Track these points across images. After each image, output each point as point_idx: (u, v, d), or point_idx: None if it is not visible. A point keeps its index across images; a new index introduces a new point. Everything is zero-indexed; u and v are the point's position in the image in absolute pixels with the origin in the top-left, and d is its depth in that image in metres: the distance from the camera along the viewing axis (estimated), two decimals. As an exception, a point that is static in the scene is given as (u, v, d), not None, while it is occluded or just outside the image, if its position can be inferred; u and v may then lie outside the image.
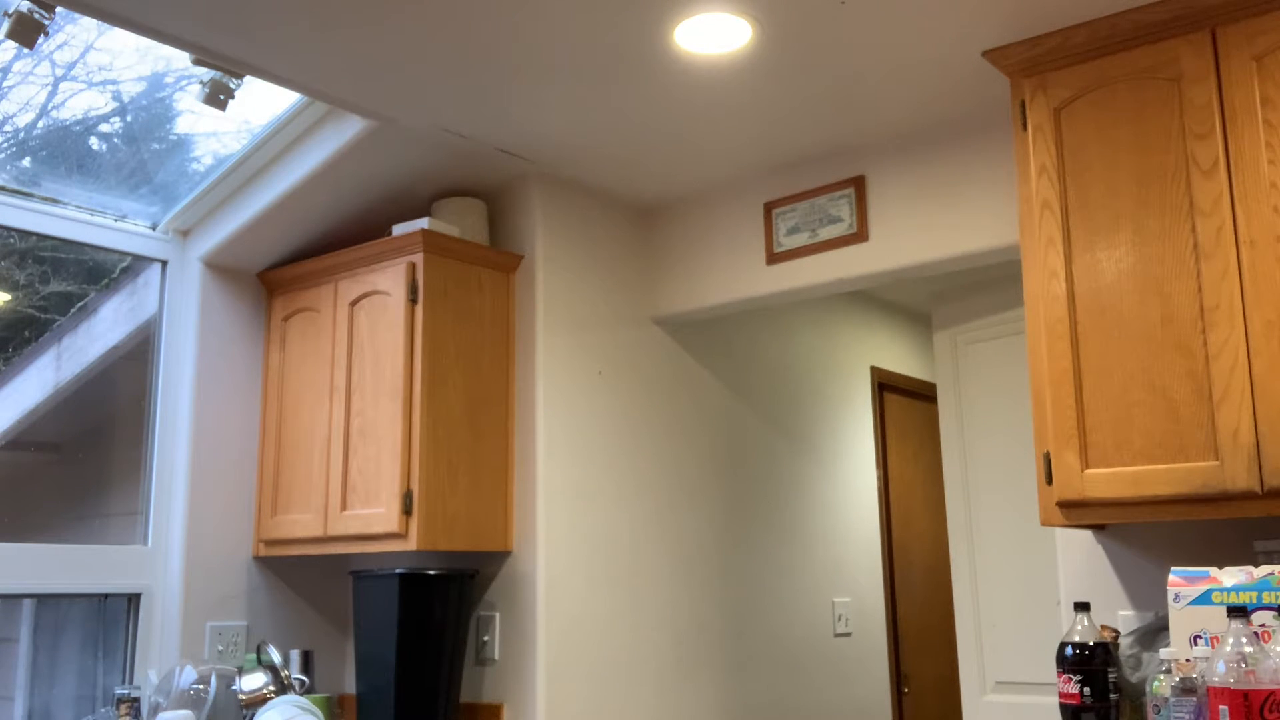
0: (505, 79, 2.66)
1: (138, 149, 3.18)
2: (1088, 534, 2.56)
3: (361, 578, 3.04)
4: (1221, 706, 1.82)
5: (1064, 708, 2.18)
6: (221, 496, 3.28)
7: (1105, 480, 2.21)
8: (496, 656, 3.12)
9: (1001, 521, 3.40)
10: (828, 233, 3.12)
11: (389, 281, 3.08)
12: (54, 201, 3.12)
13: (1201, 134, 2.19)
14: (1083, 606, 2.22)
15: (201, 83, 2.75)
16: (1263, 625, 1.93)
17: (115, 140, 3.19)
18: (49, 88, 2.95)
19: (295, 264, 3.35)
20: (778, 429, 4.04)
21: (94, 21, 2.66)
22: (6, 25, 2.44)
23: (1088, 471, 2.24)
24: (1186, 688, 1.93)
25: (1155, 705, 2.03)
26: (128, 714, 2.93)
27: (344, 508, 3.07)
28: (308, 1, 2.31)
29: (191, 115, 3.10)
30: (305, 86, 2.68)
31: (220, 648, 3.21)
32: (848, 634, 4.20)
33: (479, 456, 3.09)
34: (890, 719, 4.34)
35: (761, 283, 3.25)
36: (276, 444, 3.31)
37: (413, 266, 3.04)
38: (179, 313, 3.33)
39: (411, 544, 2.92)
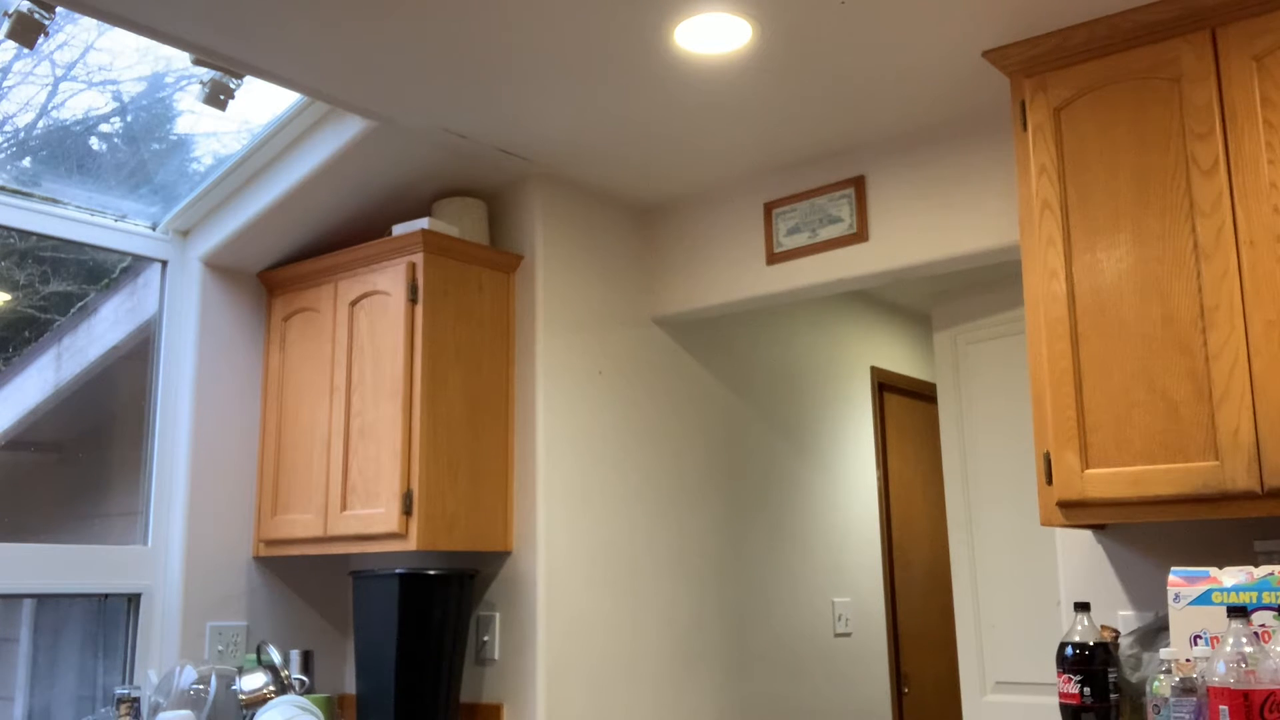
0: (505, 79, 2.66)
1: (138, 149, 3.18)
2: (1088, 534, 2.56)
3: (361, 578, 3.04)
4: (1221, 706, 1.82)
5: (1064, 708, 2.18)
6: (221, 496, 3.28)
7: (1105, 480, 2.21)
8: (496, 656, 3.12)
9: (1001, 521, 3.40)
10: (828, 233, 3.12)
11: (389, 281, 3.08)
12: (54, 201, 3.12)
13: (1201, 134, 2.19)
14: (1083, 606, 2.22)
15: (201, 83, 2.75)
16: (1263, 625, 1.93)
17: (115, 140, 3.19)
18: (49, 88, 2.95)
19: (295, 264, 3.35)
20: (778, 429, 4.04)
21: (94, 21, 2.66)
22: (6, 25, 2.44)
23: (1088, 471, 2.24)
24: (1186, 688, 1.93)
25: (1155, 705, 2.03)
26: (128, 714, 2.93)
27: (344, 508, 3.07)
28: (308, 1, 2.31)
29: (191, 115, 3.10)
30: (305, 86, 2.68)
31: (220, 648, 3.21)
32: (848, 634, 4.20)
33: (479, 456, 3.09)
34: (890, 719, 4.34)
35: (761, 283, 3.25)
36: (276, 444, 3.31)
37: (413, 266, 3.04)
38: (179, 313, 3.33)
39: (411, 544, 2.92)
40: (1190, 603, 2.03)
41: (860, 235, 3.05)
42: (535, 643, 3.04)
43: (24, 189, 3.07)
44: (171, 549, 3.21)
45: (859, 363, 4.53)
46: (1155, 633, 2.23)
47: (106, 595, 3.15)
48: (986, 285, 3.54)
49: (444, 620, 2.99)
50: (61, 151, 3.11)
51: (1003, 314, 3.48)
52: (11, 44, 2.50)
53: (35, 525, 3.08)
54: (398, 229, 3.12)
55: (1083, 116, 2.34)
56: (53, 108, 3.01)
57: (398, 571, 2.95)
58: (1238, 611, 1.88)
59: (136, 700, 2.96)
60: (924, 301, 4.64)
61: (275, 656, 2.98)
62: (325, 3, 2.31)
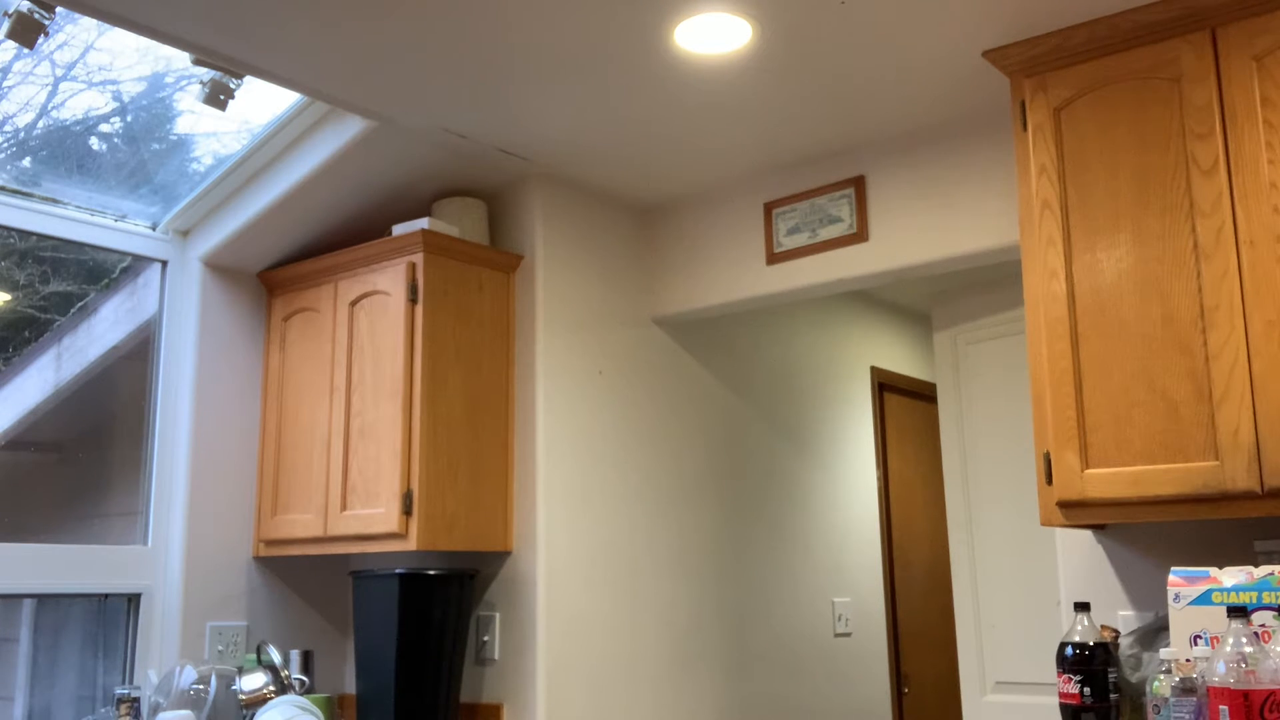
0: (505, 79, 2.66)
1: (138, 149, 3.18)
2: (1088, 534, 2.56)
3: (361, 578, 3.04)
4: (1221, 706, 1.82)
5: (1064, 708, 2.18)
6: (221, 496, 3.28)
7: (1105, 480, 2.21)
8: (496, 656, 3.12)
9: (1001, 521, 3.40)
10: (828, 233, 3.12)
11: (389, 281, 3.08)
12: (54, 201, 3.12)
13: (1201, 134, 2.19)
14: (1083, 606, 2.22)
15: (201, 83, 2.75)
16: (1263, 625, 1.93)
17: (115, 140, 3.19)
18: (49, 88, 2.95)
19: (295, 264, 3.35)
20: (778, 429, 4.04)
21: (94, 21, 2.66)
22: (6, 25, 2.44)
23: (1088, 471, 2.24)
24: (1186, 688, 1.93)
25: (1155, 705, 2.03)
26: (128, 714, 2.93)
27: (344, 508, 3.07)
28: (308, 1, 2.31)
29: (191, 115, 3.10)
30: (305, 86, 2.68)
31: (220, 648, 3.21)
32: (848, 634, 4.20)
33: (479, 456, 3.09)
34: (890, 719, 4.34)
35: (761, 283, 3.25)
36: (276, 444, 3.31)
37: (413, 266, 3.04)
38: (179, 313, 3.33)
39: (411, 544, 2.92)
40: (1190, 603, 2.03)
41: (860, 235, 3.05)
42: (535, 643, 3.04)
43: (24, 189, 3.07)
44: (171, 549, 3.21)
45: (859, 363, 4.53)
46: (1155, 633, 2.23)
47: (106, 595, 3.15)
48: (986, 285, 3.54)
49: (444, 620, 2.99)
50: (61, 151, 3.11)
51: (1003, 314, 3.48)
52: (11, 44, 2.50)
53: (35, 525, 3.08)
54: (398, 229, 3.12)
55: (1083, 116, 2.34)
56: (53, 108, 3.01)
57: (398, 571, 2.95)
58: (1238, 611, 1.88)
59: (136, 700, 2.96)
60: (924, 301, 4.64)
61: (275, 656, 2.98)
62: (325, 3, 2.31)
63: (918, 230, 2.95)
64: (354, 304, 3.17)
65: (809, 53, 2.56)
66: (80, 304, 3.29)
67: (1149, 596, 2.47)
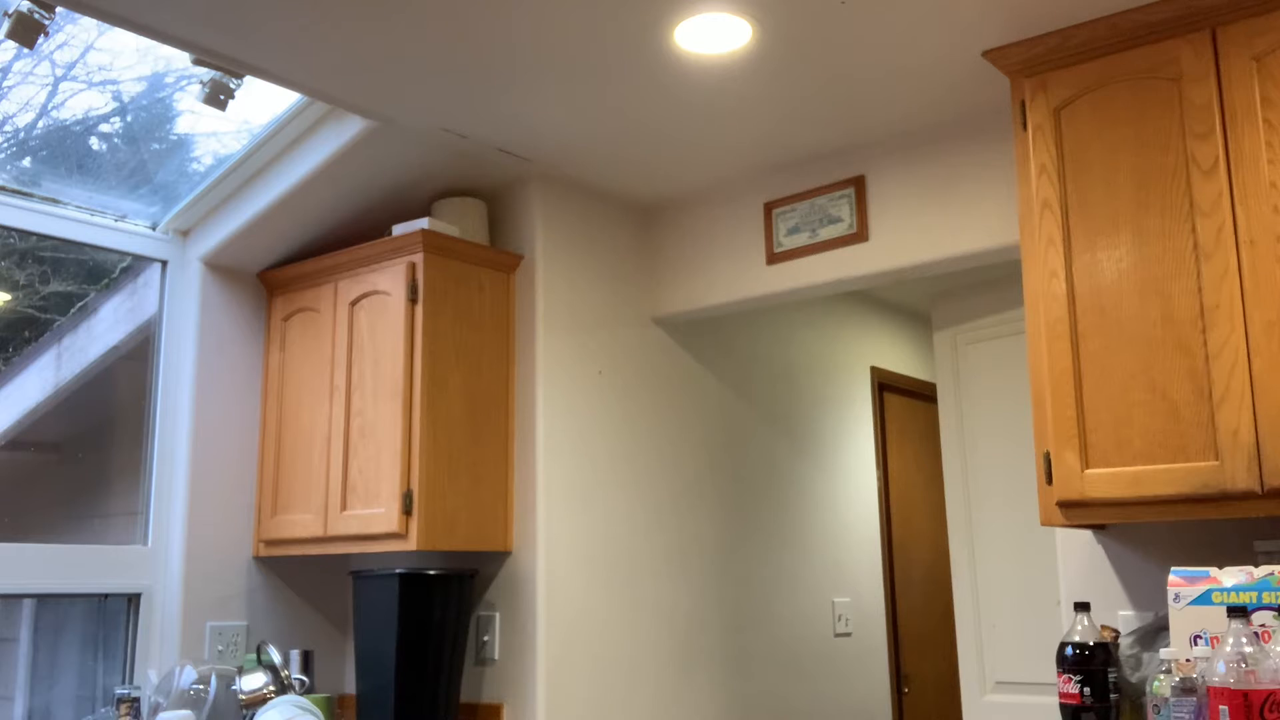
0: (505, 79, 2.66)
1: (138, 149, 3.18)
2: (1088, 534, 2.56)
3: (361, 578, 3.04)
4: (1221, 706, 1.82)
5: (1064, 708, 2.18)
6: (221, 496, 3.28)
7: (1105, 480, 2.21)
8: (496, 656, 3.12)
9: (1001, 521, 3.40)
10: (828, 233, 3.12)
11: (389, 281, 3.08)
12: (54, 201, 3.13)
13: (1201, 134, 2.19)
14: (1083, 606, 2.22)
15: (201, 83, 2.75)
16: (1263, 625, 1.93)
17: (115, 140, 3.19)
18: (49, 88, 2.95)
19: (295, 264, 3.35)
20: (778, 429, 4.04)
21: (94, 21, 2.66)
22: (6, 25, 2.44)
23: (1088, 471, 2.24)
24: (1186, 688, 1.93)
25: (1155, 705, 2.03)
26: (128, 714, 2.93)
27: (344, 508, 3.07)
28: (308, 1, 2.31)
29: (191, 115, 3.10)
30: (304, 86, 2.68)
31: (220, 648, 3.21)
32: (848, 634, 4.20)
33: (479, 456, 3.09)
34: (890, 719, 4.34)
35: (761, 283, 3.25)
36: (276, 444, 3.31)
37: (413, 266, 3.04)
38: (179, 313, 3.33)
39: (411, 544, 2.92)
40: (1190, 603, 2.03)
41: (860, 235, 3.05)
42: (535, 643, 3.04)
43: (24, 189, 3.07)
44: (171, 549, 3.21)
45: (859, 363, 4.53)
46: (1155, 633, 2.23)
47: (106, 595, 3.15)
48: (986, 285, 3.54)
49: (444, 620, 2.99)
50: (61, 151, 3.11)
51: (1003, 314, 3.48)
52: (11, 44, 2.50)
53: (35, 525, 3.08)
54: (398, 229, 3.12)
55: (1083, 116, 2.34)
56: (53, 108, 3.01)
57: (398, 571, 2.95)
58: (1238, 611, 1.88)
59: (136, 700, 2.96)
60: (924, 301, 4.64)
61: (275, 656, 2.98)
62: (326, 2, 2.31)
63: (918, 230, 2.95)
64: (354, 304, 3.17)
65: (809, 53, 2.56)
66: (80, 304, 3.29)
67: (1149, 596, 2.47)
